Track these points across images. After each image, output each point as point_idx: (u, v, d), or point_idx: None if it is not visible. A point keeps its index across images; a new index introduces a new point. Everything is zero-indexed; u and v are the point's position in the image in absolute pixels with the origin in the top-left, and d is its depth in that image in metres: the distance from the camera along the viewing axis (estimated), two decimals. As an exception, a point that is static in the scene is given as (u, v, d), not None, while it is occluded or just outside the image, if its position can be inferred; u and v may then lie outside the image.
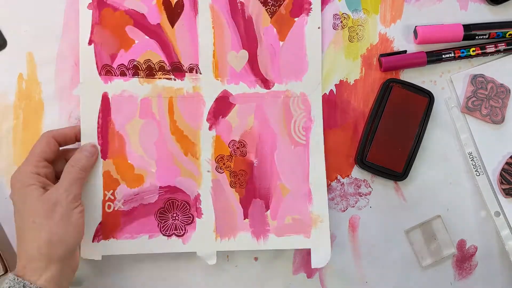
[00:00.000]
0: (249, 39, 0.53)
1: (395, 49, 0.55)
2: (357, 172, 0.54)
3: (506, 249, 0.53)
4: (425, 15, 0.55)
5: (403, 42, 0.55)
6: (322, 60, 0.54)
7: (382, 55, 0.54)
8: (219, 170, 0.52)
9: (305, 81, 0.53)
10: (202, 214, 0.52)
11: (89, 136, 0.50)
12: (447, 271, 0.55)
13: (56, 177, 0.48)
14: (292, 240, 0.52)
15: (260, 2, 0.53)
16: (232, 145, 0.52)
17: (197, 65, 0.52)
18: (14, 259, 0.49)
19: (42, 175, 0.46)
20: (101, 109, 0.51)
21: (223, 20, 0.53)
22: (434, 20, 0.55)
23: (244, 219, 0.52)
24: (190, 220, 0.52)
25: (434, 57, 0.54)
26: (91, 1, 0.51)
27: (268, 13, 0.53)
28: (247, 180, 0.52)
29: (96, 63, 0.51)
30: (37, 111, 0.53)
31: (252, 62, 0.53)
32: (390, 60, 0.54)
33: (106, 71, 0.51)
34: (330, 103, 0.54)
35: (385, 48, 0.55)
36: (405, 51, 0.54)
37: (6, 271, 0.51)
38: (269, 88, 0.53)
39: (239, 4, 0.53)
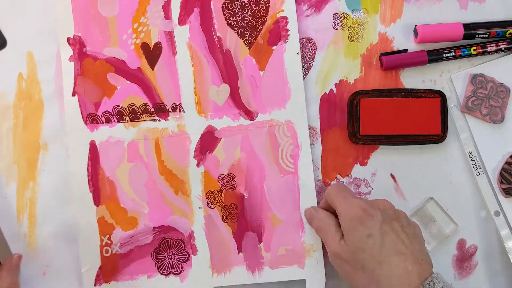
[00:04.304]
0: (229, 73, 0.53)
1: (395, 49, 0.54)
2: (357, 172, 0.54)
3: (506, 248, 0.52)
4: (425, 14, 0.54)
5: (403, 42, 0.54)
6: (322, 60, 0.54)
7: (382, 54, 0.53)
8: (210, 205, 0.52)
9: (289, 108, 0.53)
10: (197, 250, 0.52)
11: (81, 185, 0.52)
12: (447, 271, 0.54)
13: None
14: (286, 271, 0.51)
15: (237, 34, 0.53)
16: (221, 179, 0.53)
17: (180, 103, 0.53)
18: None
19: None
20: (89, 157, 0.52)
21: (202, 57, 0.53)
22: (434, 19, 0.54)
23: (238, 253, 0.52)
24: (186, 257, 0.52)
25: (435, 56, 0.53)
26: (72, 54, 0.52)
27: (246, 44, 0.53)
28: (239, 214, 0.52)
29: (81, 113, 0.52)
30: (37, 111, 0.53)
31: (234, 95, 0.53)
32: (390, 59, 0.53)
33: (91, 119, 0.52)
34: (330, 102, 0.54)
35: (385, 47, 0.54)
36: (406, 50, 0.54)
37: None
38: (253, 119, 0.53)
39: (216, 39, 0.53)
